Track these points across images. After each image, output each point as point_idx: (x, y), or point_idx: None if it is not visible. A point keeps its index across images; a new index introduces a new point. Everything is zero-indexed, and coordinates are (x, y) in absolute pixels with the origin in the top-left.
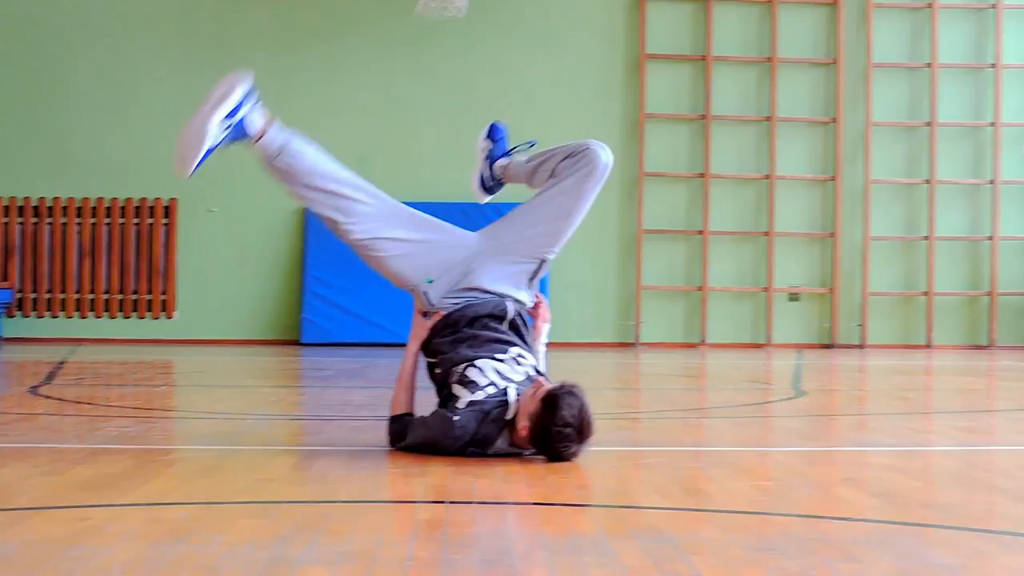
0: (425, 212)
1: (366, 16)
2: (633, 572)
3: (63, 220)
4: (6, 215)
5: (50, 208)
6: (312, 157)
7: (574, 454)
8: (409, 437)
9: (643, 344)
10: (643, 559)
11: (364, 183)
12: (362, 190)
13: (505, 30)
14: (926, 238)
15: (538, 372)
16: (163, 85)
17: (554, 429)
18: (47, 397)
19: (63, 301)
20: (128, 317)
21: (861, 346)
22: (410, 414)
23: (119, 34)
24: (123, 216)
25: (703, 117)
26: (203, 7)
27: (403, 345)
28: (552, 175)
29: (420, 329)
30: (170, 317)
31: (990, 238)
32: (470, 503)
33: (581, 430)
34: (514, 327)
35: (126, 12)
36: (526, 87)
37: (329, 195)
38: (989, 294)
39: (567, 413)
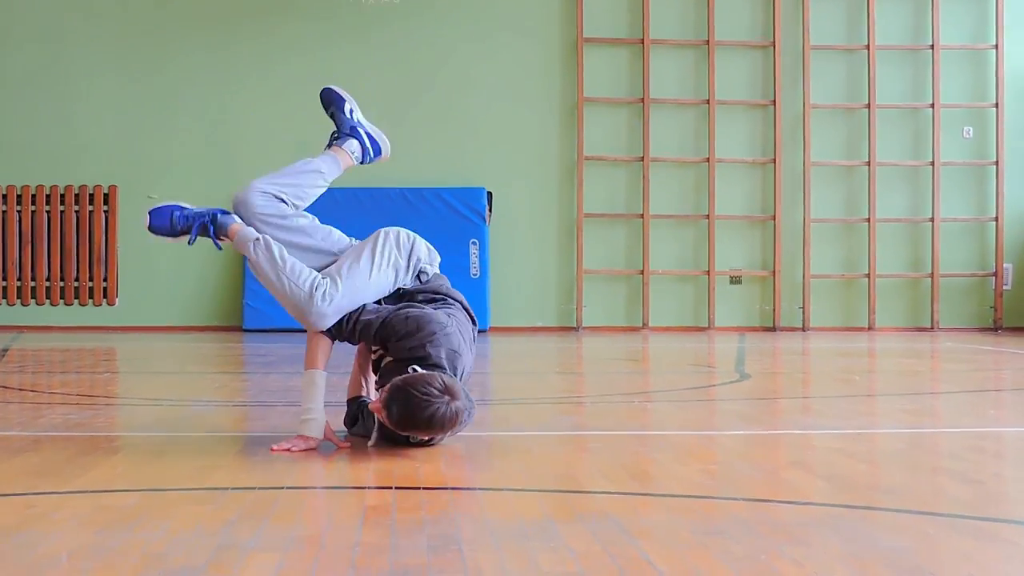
0: (366, 196)
1: None
2: (582, 557)
3: (3, 208)
4: None
5: None
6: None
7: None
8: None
9: (585, 328)
10: (591, 544)
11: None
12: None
13: (443, 13)
14: (867, 220)
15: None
16: (102, 72)
17: (400, 435)
18: None
19: (4, 289)
20: (70, 304)
21: (803, 329)
22: (359, 397)
23: (57, 21)
24: (63, 203)
25: (641, 100)
26: None
27: None
28: None
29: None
30: (111, 304)
31: (931, 220)
32: (416, 488)
33: (432, 429)
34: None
35: None
36: (464, 70)
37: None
38: (931, 276)
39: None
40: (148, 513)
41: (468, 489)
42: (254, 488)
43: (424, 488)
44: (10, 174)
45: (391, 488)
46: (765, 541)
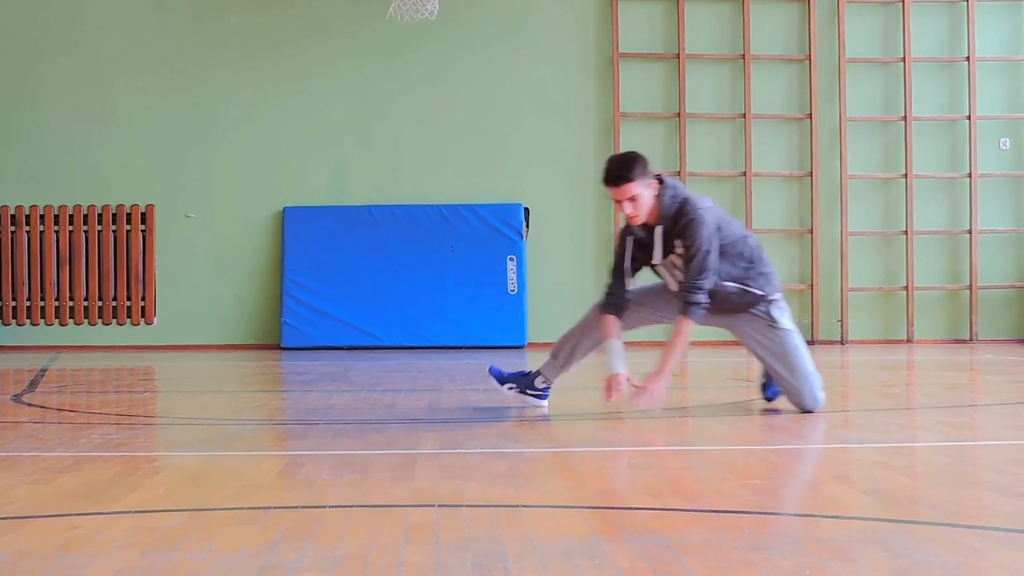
0: (402, 214)
1: (340, 21)
2: (627, 574)
3: (40, 228)
4: None
5: (27, 216)
6: None
7: None
8: None
9: (625, 344)
10: (637, 561)
11: None
12: None
13: (477, 31)
14: (905, 232)
15: None
16: (139, 92)
17: None
18: (30, 405)
19: (42, 309)
20: (108, 324)
21: (842, 342)
22: None
23: (94, 42)
24: (100, 223)
25: (677, 115)
26: (178, 15)
27: (382, 348)
28: None
29: None
30: (149, 323)
31: (969, 231)
32: (460, 506)
33: None
34: None
35: (101, 20)
36: (499, 88)
37: None
38: (969, 288)
39: None
40: (192, 534)
41: (512, 507)
42: (297, 507)
43: (468, 506)
44: (48, 194)
45: (434, 506)
46: (810, 557)
